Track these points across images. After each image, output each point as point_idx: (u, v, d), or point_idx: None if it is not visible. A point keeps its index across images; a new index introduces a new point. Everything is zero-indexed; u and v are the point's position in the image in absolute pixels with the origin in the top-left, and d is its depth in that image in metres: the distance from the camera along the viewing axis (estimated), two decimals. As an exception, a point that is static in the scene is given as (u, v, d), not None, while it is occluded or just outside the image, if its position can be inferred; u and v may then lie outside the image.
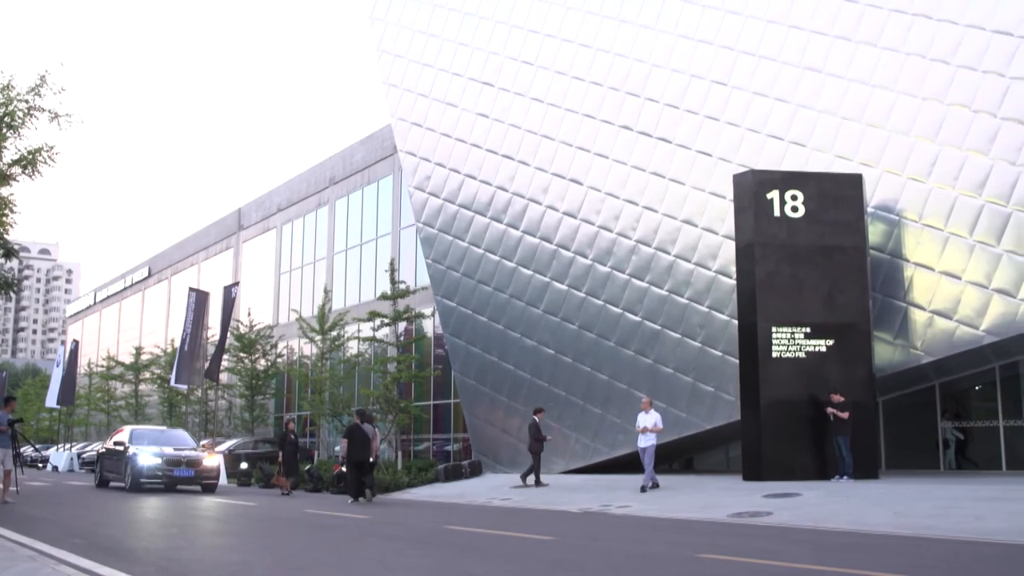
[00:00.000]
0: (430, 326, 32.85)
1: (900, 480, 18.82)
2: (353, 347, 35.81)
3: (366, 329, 31.44)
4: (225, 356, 39.91)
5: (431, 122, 29.60)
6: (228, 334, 38.92)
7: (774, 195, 20.16)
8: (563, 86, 26.40)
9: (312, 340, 34.07)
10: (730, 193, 21.17)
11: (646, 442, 19.19)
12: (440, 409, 32.63)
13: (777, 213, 20.11)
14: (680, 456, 27.09)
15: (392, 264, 30.36)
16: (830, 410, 18.96)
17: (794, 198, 20.13)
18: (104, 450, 26.13)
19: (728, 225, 21.77)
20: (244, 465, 30.76)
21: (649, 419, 19.35)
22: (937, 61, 20.45)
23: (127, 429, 25.65)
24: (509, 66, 27.80)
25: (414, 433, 33.23)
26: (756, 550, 10.02)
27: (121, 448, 24.13)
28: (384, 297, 29.78)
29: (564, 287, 25.63)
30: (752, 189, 20.20)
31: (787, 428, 19.39)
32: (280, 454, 24.51)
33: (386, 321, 29.25)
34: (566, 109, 26.21)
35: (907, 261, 20.44)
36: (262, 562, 9.29)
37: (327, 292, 36.47)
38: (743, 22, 23.34)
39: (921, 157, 20.39)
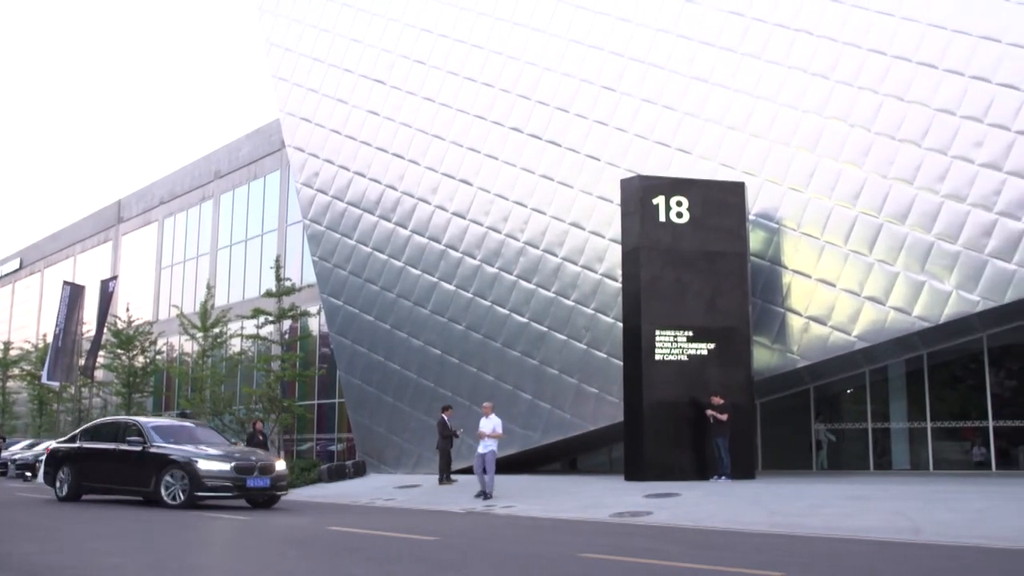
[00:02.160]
0: (316, 324, 32.43)
1: (775, 480, 19.38)
2: (236, 345, 35.08)
3: (250, 327, 30.86)
4: (101, 352, 38.67)
5: (320, 118, 29.22)
6: (105, 330, 37.73)
7: (660, 200, 20.53)
8: (455, 86, 26.39)
9: (193, 337, 33.25)
10: (617, 197, 21.48)
11: (485, 448, 18.52)
12: (324, 409, 32.25)
13: (663, 218, 20.49)
14: (564, 457, 27.36)
15: (278, 261, 29.85)
16: (710, 412, 19.39)
17: (679, 204, 20.54)
18: (81, 449, 18.59)
19: (615, 229, 22.09)
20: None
21: (489, 424, 18.89)
22: (817, 76, 21.17)
23: (137, 421, 18.45)
24: (401, 64, 27.65)
25: (297, 433, 32.77)
26: (636, 549, 10.18)
27: (137, 448, 17.20)
28: (269, 294, 29.28)
29: (452, 287, 25.62)
30: (639, 194, 20.54)
31: (668, 429, 19.76)
32: None
33: (270, 319, 28.75)
34: (457, 109, 26.21)
35: (786, 268, 21.09)
36: (136, 565, 9.01)
37: (210, 288, 35.65)
38: (633, 29, 23.73)
39: (800, 168, 21.06)
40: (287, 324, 29.97)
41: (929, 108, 19.79)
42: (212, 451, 17.03)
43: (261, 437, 23.95)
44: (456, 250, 25.64)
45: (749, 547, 10.51)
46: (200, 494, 16.38)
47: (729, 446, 19.36)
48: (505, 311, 24.56)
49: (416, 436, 25.70)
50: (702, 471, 19.60)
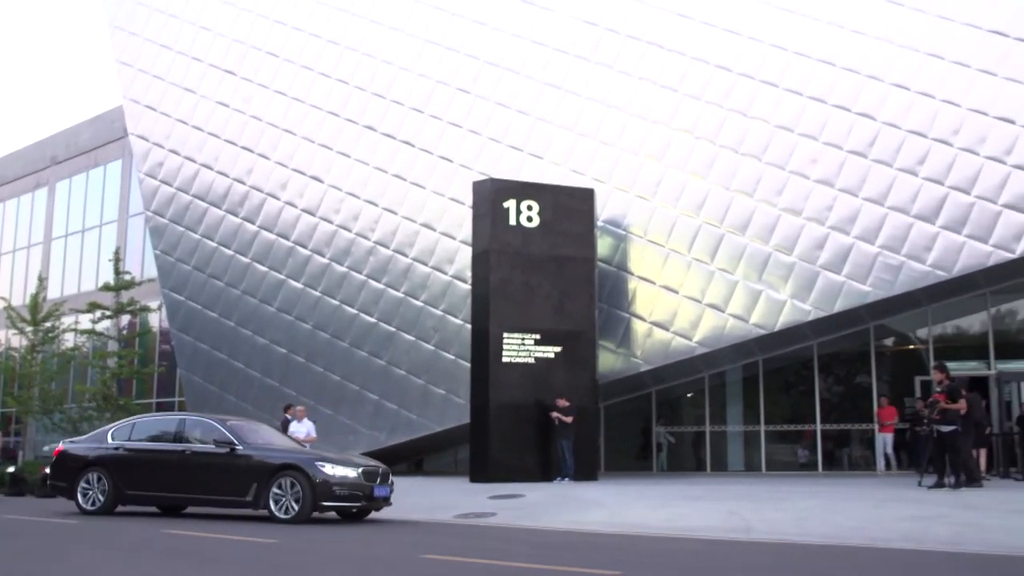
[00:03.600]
0: (156, 320, 31.33)
1: (618, 481, 19.80)
2: (69, 340, 33.51)
3: (85, 321, 29.54)
4: (-82, 345, 36.32)
5: (167, 107, 28.23)
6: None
7: (511, 204, 20.70)
8: (308, 81, 25.96)
9: (22, 331, 31.59)
10: (469, 200, 21.57)
11: None
12: (164, 407, 31.16)
13: (513, 222, 20.66)
14: (410, 458, 27.25)
15: (117, 253, 28.73)
16: (555, 414, 19.66)
17: (530, 208, 20.76)
18: (123, 451, 15.15)
19: (466, 231, 22.16)
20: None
21: (302, 429, 18.62)
22: (666, 88, 21.80)
23: (206, 418, 15.57)
24: (253, 56, 27.01)
25: (133, 432, 31.53)
26: (478, 550, 10.22)
27: (224, 450, 14.23)
28: (107, 288, 28.14)
29: (299, 285, 25.18)
30: (490, 197, 20.66)
31: (514, 431, 19.93)
32: None
33: (108, 313, 27.63)
34: (310, 105, 25.78)
35: (631, 274, 21.61)
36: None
37: (42, 280, 33.91)
38: (489, 33, 23.88)
39: (648, 177, 21.63)
40: (125, 319, 28.89)
41: (769, 124, 20.66)
42: (330, 454, 14.63)
43: None
44: (305, 247, 25.22)
45: (590, 547, 10.70)
46: (328, 504, 13.62)
47: (573, 448, 19.67)
48: (353, 311, 24.30)
49: (259, 436, 25.11)
50: (546, 472, 19.84)
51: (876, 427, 21.48)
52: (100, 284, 30.24)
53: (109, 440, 15.53)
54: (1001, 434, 19.95)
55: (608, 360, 21.58)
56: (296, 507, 13.44)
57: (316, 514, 13.71)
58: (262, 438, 14.87)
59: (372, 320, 24.00)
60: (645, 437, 24.97)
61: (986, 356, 21.56)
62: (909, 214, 19.29)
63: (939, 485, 15.71)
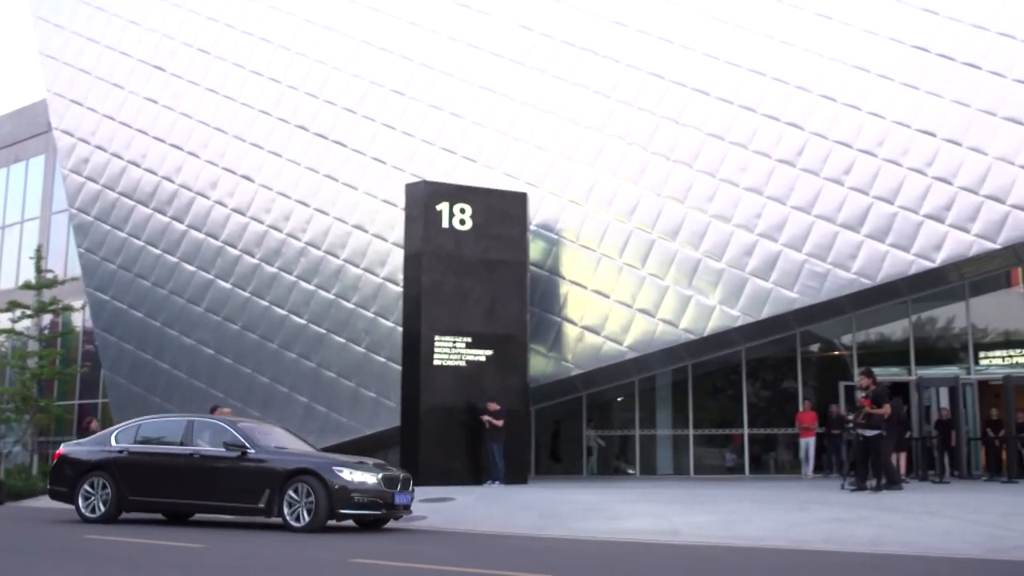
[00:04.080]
0: (79, 320, 30.64)
1: (548, 485, 19.88)
2: (-13, 339, 32.61)
3: (4, 320, 28.77)
4: None
5: (93, 102, 27.62)
6: None
7: (444, 207, 20.66)
8: (239, 79, 25.61)
9: (-63, 330, 30.65)
10: (402, 202, 21.48)
11: None
12: (87, 409, 30.46)
13: (446, 225, 20.62)
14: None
15: (39, 251, 28.04)
16: (486, 418, 19.66)
17: (463, 211, 20.74)
18: (127, 454, 14.23)
19: (398, 233, 22.06)
20: None
21: None
22: (600, 94, 21.97)
23: (216, 420, 14.76)
24: (183, 52, 26.56)
25: (55, 435, 30.78)
26: (407, 553, 10.19)
27: (234, 453, 13.40)
28: (27, 286, 27.45)
29: (228, 286, 24.82)
30: (423, 199, 20.60)
31: (445, 434, 19.89)
32: None
33: (28, 313, 26.95)
34: (241, 103, 25.44)
35: (563, 278, 21.72)
36: None
37: (-41, 277, 32.99)
38: (424, 35, 23.82)
39: (581, 182, 21.77)
40: (47, 319, 28.21)
41: (701, 132, 20.94)
42: (347, 458, 13.85)
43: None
44: (234, 248, 24.87)
45: (520, 550, 10.73)
46: (346, 511, 12.79)
47: (504, 451, 19.69)
48: (283, 312, 24.03)
49: (185, 439, 24.69)
50: (477, 476, 19.84)
51: (798, 431, 21.86)
52: (20, 282, 29.50)
53: (113, 443, 14.52)
54: (920, 438, 20.47)
55: (539, 364, 21.65)
56: (307, 516, 12.61)
57: (332, 522, 12.92)
58: (275, 441, 14.03)
59: (302, 322, 23.76)
60: (576, 441, 25.08)
61: (907, 362, 22.11)
62: (835, 223, 19.71)
63: (861, 488, 16.07)
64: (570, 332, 21.52)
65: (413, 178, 22.19)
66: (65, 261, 30.61)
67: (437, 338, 20.16)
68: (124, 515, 14.26)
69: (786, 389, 23.49)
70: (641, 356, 21.12)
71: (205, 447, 13.80)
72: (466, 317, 20.43)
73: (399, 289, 21.97)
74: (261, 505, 13.04)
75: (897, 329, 22.61)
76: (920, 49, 19.75)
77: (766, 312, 20.04)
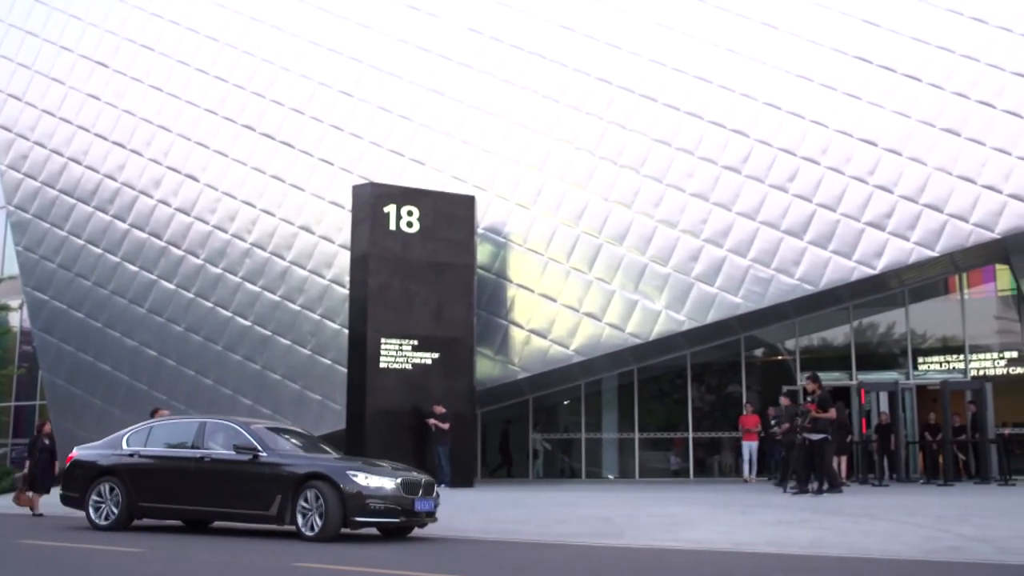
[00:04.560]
0: (17, 319, 29.99)
1: (494, 488, 19.87)
2: (-81, 339, 31.82)
3: (-62, 320, 28.14)
4: None
5: (32, 96, 27.07)
6: None
7: (391, 209, 20.58)
8: (185, 77, 25.27)
9: None
10: (349, 203, 21.36)
11: None
12: (23, 411, 29.83)
13: (393, 227, 20.54)
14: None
15: (-25, 249, 27.47)
16: (432, 421, 19.61)
17: (410, 214, 20.68)
18: (138, 459, 13.43)
19: (345, 235, 21.93)
20: None
21: None
22: (548, 99, 22.05)
23: (228, 421, 13.63)
24: (127, 48, 26.15)
25: (-10, 437, 30.16)
26: (351, 557, 10.12)
27: (245, 457, 12.49)
28: (-37, 285, 26.87)
29: (172, 286, 24.47)
30: (370, 201, 20.50)
31: (390, 437, 19.78)
32: (28, 464, 18.23)
33: (-37, 312, 26.39)
34: (186, 101, 25.11)
35: (510, 282, 21.74)
36: None
37: None
38: (373, 37, 23.72)
39: (529, 186, 21.83)
40: (-17, 318, 27.59)
41: (647, 138, 21.11)
42: (361, 461, 12.96)
43: (47, 442, 18.57)
44: (178, 248, 24.53)
45: (463, 554, 10.71)
46: (361, 519, 11.77)
47: (450, 455, 19.65)
48: (228, 313, 23.75)
49: (125, 442, 24.29)
50: (422, 479, 19.72)
51: (741, 435, 22.10)
52: (-45, 281, 28.83)
53: (124, 446, 13.69)
54: (861, 442, 20.81)
55: (486, 367, 21.65)
56: (319, 523, 11.62)
57: (347, 530, 11.92)
58: (291, 443, 13.13)
59: (247, 323, 23.51)
60: (522, 444, 25.10)
61: (848, 367, 22.46)
62: (779, 229, 19.98)
63: (803, 491, 16.29)
64: (517, 335, 21.55)
65: (361, 180, 22.07)
66: (2, 259, 29.96)
67: (383, 341, 20.07)
68: (138, 522, 13.55)
69: (730, 393, 23.74)
70: (587, 360, 21.22)
71: (217, 450, 12.91)
72: (413, 320, 20.37)
73: (346, 291, 21.83)
74: (272, 512, 12.10)
75: (839, 334, 22.97)
76: (863, 60, 20.13)
77: (711, 317, 20.25)
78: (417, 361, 20.29)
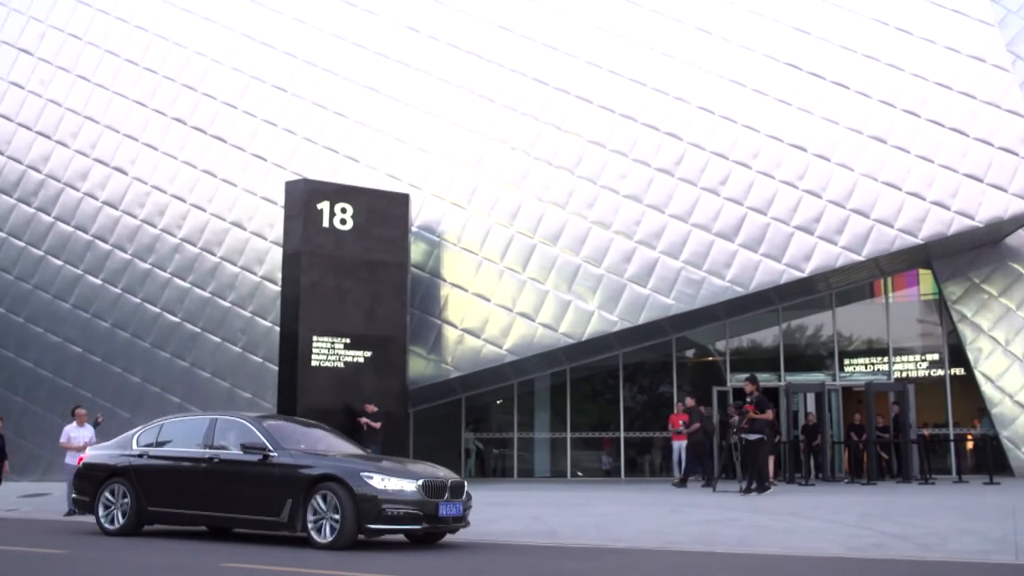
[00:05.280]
0: (-66, 314, 29.12)
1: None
2: None
3: None
4: None
5: (-46, 86, 26.32)
6: None
7: (325, 206, 20.41)
8: (114, 68, 24.77)
9: None
10: (282, 199, 21.13)
11: (75, 460, 15.23)
12: (-60, 408, 29.01)
13: (326, 224, 20.38)
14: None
15: None
16: (363, 420, 19.50)
17: (344, 211, 20.53)
18: (146, 459, 12.34)
19: (277, 231, 21.70)
20: None
21: (86, 434, 16.70)
22: (484, 98, 22.06)
23: (240, 418, 12.25)
24: (53, 36, 25.54)
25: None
26: (278, 558, 10.02)
27: (255, 457, 11.31)
28: None
29: (98, 281, 23.98)
30: (303, 198, 20.31)
31: (322, 436, 19.60)
32: None
33: None
34: (115, 92, 24.62)
35: (444, 281, 21.70)
36: None
37: None
38: (308, 32, 23.50)
39: (464, 185, 21.81)
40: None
41: (582, 139, 21.24)
42: (377, 461, 11.55)
43: None
44: (105, 242, 24.04)
45: (389, 555, 10.65)
46: (376, 527, 10.59)
47: (381, 454, 19.53)
48: (156, 309, 23.34)
49: (48, 440, 23.69)
50: (353, 478, 19.59)
51: (670, 434, 22.31)
52: None
53: (134, 445, 12.67)
54: (788, 442, 21.17)
55: (419, 366, 21.57)
56: (332, 531, 10.54)
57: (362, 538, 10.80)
58: (306, 442, 11.90)
59: (176, 320, 23.13)
60: (455, 443, 25.06)
61: (777, 368, 22.84)
62: (711, 232, 20.25)
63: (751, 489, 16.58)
64: (450, 335, 21.51)
65: (294, 176, 21.86)
66: (-80, 252, 29.07)
67: (315, 339, 19.90)
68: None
69: (662, 394, 23.98)
70: (520, 359, 21.26)
71: (226, 450, 11.78)
72: (345, 318, 20.23)
73: (277, 288, 21.60)
74: (283, 519, 10.96)
75: (768, 336, 23.36)
76: (793, 67, 20.49)
77: (643, 318, 20.44)
78: (349, 359, 20.15)
